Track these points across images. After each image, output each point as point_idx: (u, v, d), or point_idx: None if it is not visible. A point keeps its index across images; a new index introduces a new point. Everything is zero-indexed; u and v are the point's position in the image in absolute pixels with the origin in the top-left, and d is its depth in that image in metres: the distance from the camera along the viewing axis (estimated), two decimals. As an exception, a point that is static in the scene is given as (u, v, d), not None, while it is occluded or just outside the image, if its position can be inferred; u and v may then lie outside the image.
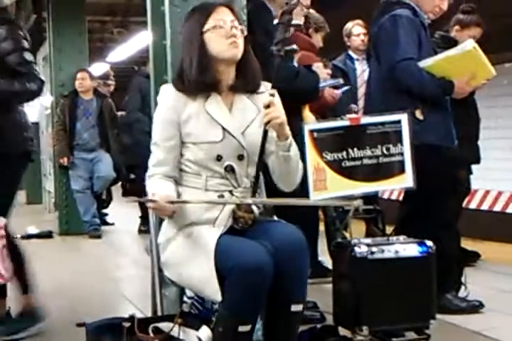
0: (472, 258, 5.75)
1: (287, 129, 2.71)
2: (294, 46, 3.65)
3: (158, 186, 2.71)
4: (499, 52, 7.72)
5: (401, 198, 4.47)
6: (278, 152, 2.73)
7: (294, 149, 2.78)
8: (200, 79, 2.73)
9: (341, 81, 4.66)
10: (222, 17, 2.76)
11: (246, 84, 2.82)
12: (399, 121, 3.53)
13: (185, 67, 2.78)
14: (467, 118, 4.98)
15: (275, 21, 2.85)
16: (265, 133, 2.72)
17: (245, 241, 2.58)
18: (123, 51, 14.22)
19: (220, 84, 2.79)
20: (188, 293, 2.84)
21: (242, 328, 2.49)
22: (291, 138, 2.74)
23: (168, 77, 3.38)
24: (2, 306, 3.91)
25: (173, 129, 2.75)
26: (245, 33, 2.80)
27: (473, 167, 5.44)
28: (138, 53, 13.38)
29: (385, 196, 8.45)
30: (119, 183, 8.91)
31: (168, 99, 2.78)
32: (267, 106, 2.67)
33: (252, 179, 2.77)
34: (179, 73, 2.81)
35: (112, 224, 9.01)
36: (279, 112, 2.68)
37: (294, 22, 2.89)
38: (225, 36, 2.73)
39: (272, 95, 2.73)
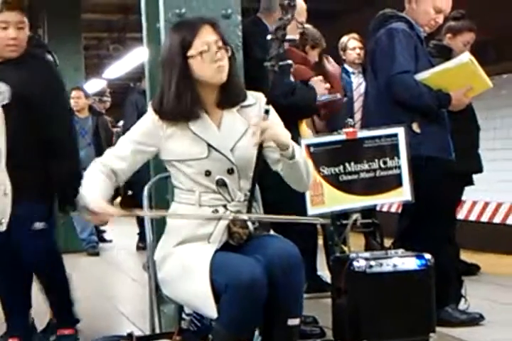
0: (472, 270, 5.73)
1: (285, 139, 2.63)
2: (289, 61, 3.64)
3: (93, 186, 2.67)
4: (496, 63, 7.73)
5: (400, 211, 4.45)
6: (284, 160, 2.67)
7: (299, 153, 2.70)
8: (176, 108, 2.68)
9: (339, 96, 4.66)
10: (206, 39, 2.67)
11: (230, 100, 2.77)
12: (395, 135, 3.53)
13: (164, 91, 2.72)
14: (466, 128, 4.95)
15: (269, 37, 2.80)
16: (260, 147, 2.67)
17: (240, 257, 2.57)
18: (119, 67, 14.23)
19: (205, 103, 2.74)
20: (187, 309, 2.83)
21: (238, 344, 2.49)
22: (292, 145, 2.66)
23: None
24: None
25: (151, 140, 2.74)
26: (229, 53, 2.72)
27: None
28: (134, 69, 13.39)
29: (384, 209, 8.42)
30: (118, 199, 8.85)
31: (154, 115, 2.74)
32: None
33: (247, 192, 2.74)
34: (159, 97, 2.74)
35: (110, 241, 8.98)
36: (271, 132, 2.61)
37: (288, 37, 2.87)
38: (210, 61, 2.66)
39: (267, 111, 2.69)
